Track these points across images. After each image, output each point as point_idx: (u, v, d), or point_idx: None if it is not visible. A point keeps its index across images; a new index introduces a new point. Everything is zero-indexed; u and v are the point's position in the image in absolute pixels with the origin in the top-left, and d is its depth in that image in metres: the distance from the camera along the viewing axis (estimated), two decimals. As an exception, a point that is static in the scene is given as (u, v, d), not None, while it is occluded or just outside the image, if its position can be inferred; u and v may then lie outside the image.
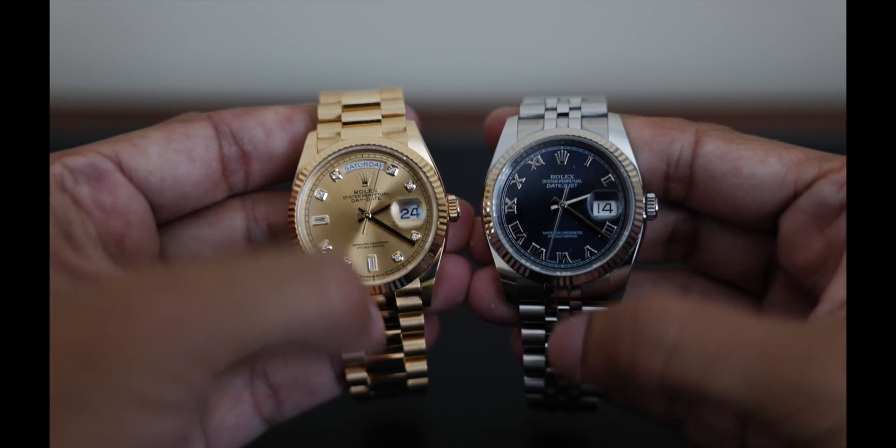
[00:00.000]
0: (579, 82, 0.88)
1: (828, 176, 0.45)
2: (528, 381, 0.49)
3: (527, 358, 0.48)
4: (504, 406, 0.58)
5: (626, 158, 0.47)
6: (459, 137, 0.80)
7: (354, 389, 0.48)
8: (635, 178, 0.47)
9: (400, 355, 0.48)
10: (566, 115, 0.48)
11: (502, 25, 0.86)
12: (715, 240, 0.50)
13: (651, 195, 0.47)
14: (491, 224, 0.48)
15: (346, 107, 0.49)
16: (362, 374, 0.47)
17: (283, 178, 0.50)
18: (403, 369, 0.48)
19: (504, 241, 0.47)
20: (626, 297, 0.48)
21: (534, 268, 0.47)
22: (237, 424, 0.47)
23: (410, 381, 0.49)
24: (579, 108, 0.48)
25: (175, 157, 0.46)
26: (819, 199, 0.45)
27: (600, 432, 0.58)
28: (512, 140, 0.48)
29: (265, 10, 0.85)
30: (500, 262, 0.47)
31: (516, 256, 0.47)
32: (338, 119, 0.49)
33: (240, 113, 0.48)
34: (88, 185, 0.43)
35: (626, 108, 0.86)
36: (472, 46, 0.87)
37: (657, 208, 0.46)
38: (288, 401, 0.47)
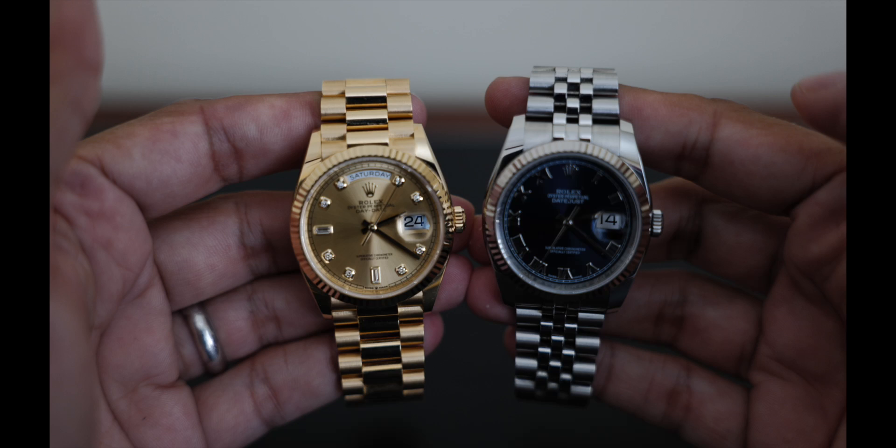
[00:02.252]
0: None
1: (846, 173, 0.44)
2: (518, 382, 0.49)
3: (519, 360, 0.49)
4: (500, 406, 0.58)
5: (636, 178, 0.45)
6: (460, 137, 0.80)
7: (349, 397, 0.48)
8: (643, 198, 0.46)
9: (398, 366, 0.48)
10: (576, 118, 0.46)
11: (504, 25, 0.86)
12: (719, 239, 0.49)
13: (657, 212, 0.46)
14: (491, 230, 0.46)
15: (351, 101, 0.46)
16: (358, 383, 0.48)
17: (279, 170, 0.48)
18: (401, 380, 0.48)
19: (505, 254, 0.46)
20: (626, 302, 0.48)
21: (534, 284, 0.46)
22: (236, 425, 0.47)
23: (406, 392, 0.49)
24: (591, 81, 0.46)
25: (160, 158, 0.44)
26: (839, 193, 0.44)
27: (597, 431, 0.58)
28: (519, 135, 0.46)
29: (264, 10, 0.84)
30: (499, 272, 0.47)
31: (515, 269, 0.46)
32: (342, 118, 0.46)
33: (233, 106, 0.46)
34: (73, 193, 0.42)
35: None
36: (472, 46, 0.86)
37: (662, 227, 0.46)
38: (288, 402, 0.47)
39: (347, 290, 0.46)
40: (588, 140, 0.45)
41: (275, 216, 0.49)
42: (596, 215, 0.47)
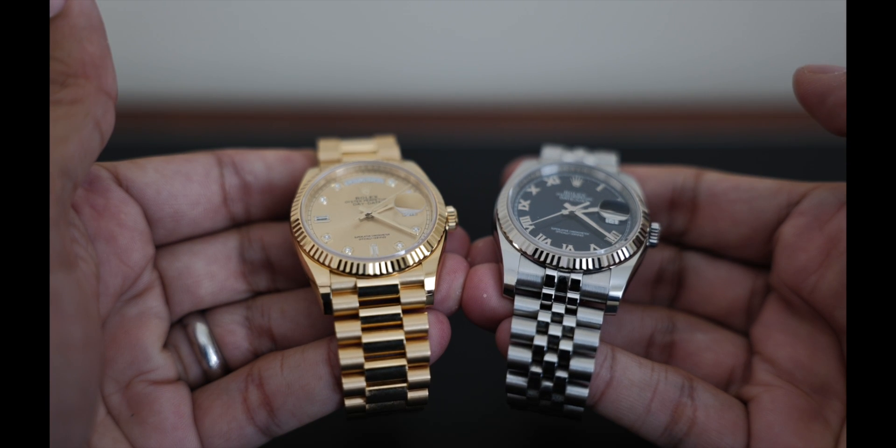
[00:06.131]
0: (577, 84, 0.88)
1: (823, 186, 0.50)
2: (510, 378, 0.47)
3: (512, 351, 0.47)
4: (500, 407, 0.58)
5: (635, 188, 0.52)
6: (459, 137, 0.80)
7: (350, 403, 0.47)
8: (640, 198, 0.51)
9: (402, 362, 0.46)
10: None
11: (503, 26, 0.86)
12: (700, 275, 0.53)
13: (655, 225, 0.49)
14: (503, 212, 0.49)
15: (346, 154, 0.53)
16: (361, 384, 0.46)
17: (283, 212, 0.52)
18: (405, 378, 0.47)
19: (515, 223, 0.49)
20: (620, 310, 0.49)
21: (540, 244, 0.47)
22: (229, 431, 0.46)
23: (410, 394, 0.47)
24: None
25: (172, 175, 0.48)
26: (820, 200, 0.49)
27: (598, 429, 0.57)
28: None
29: (262, 11, 0.85)
30: (504, 242, 0.48)
31: (524, 235, 0.48)
32: (339, 159, 0.52)
33: (242, 150, 0.51)
34: (81, 188, 0.45)
35: (622, 108, 0.86)
36: (472, 47, 0.86)
37: (659, 230, 0.49)
38: (282, 408, 0.46)
39: (350, 253, 0.47)
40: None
41: (275, 233, 0.51)
42: (599, 208, 0.51)
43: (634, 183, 0.52)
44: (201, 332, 0.50)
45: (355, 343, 0.46)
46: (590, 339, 0.46)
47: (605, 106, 0.87)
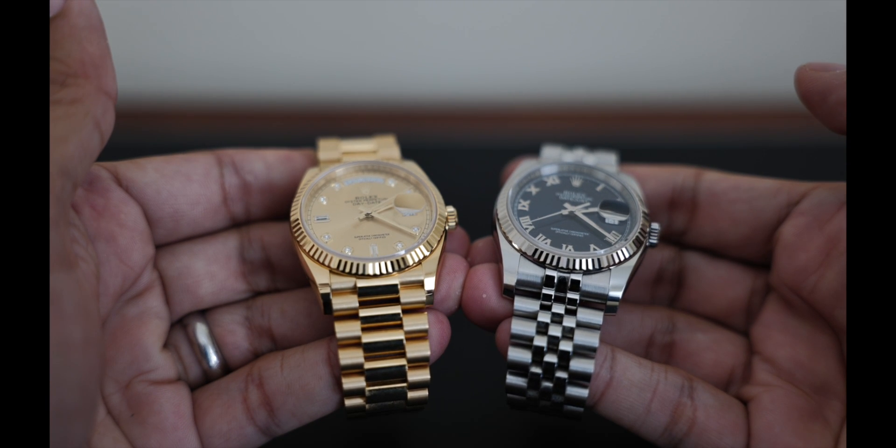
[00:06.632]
0: (577, 84, 0.88)
1: (823, 186, 0.50)
2: (510, 379, 0.48)
3: (512, 352, 0.47)
4: (500, 407, 0.58)
5: (635, 188, 0.52)
6: (459, 137, 0.80)
7: (350, 402, 0.47)
8: (640, 198, 0.51)
9: (402, 362, 0.46)
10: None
11: (503, 25, 0.86)
12: (699, 275, 0.53)
13: (655, 225, 0.49)
14: (502, 212, 0.49)
15: (346, 153, 0.53)
16: (360, 384, 0.46)
17: (283, 212, 0.52)
18: (405, 378, 0.47)
19: (515, 223, 0.49)
20: (620, 310, 0.49)
21: (540, 245, 0.47)
22: (229, 431, 0.46)
23: (410, 394, 0.47)
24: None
25: (172, 174, 0.48)
26: (820, 200, 0.49)
27: (598, 429, 0.57)
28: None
29: (262, 11, 0.84)
30: (504, 243, 0.48)
31: (524, 235, 0.48)
32: (338, 159, 0.52)
33: (242, 150, 0.51)
34: (81, 188, 0.45)
35: (622, 108, 0.86)
36: (472, 47, 0.86)
37: (659, 230, 0.49)
38: (282, 408, 0.46)
39: (350, 253, 0.47)
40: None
41: (274, 233, 0.51)
42: (599, 208, 0.51)
43: (634, 183, 0.52)
44: (201, 332, 0.50)
45: (355, 343, 0.46)
46: (590, 339, 0.46)
47: (605, 106, 0.87)
